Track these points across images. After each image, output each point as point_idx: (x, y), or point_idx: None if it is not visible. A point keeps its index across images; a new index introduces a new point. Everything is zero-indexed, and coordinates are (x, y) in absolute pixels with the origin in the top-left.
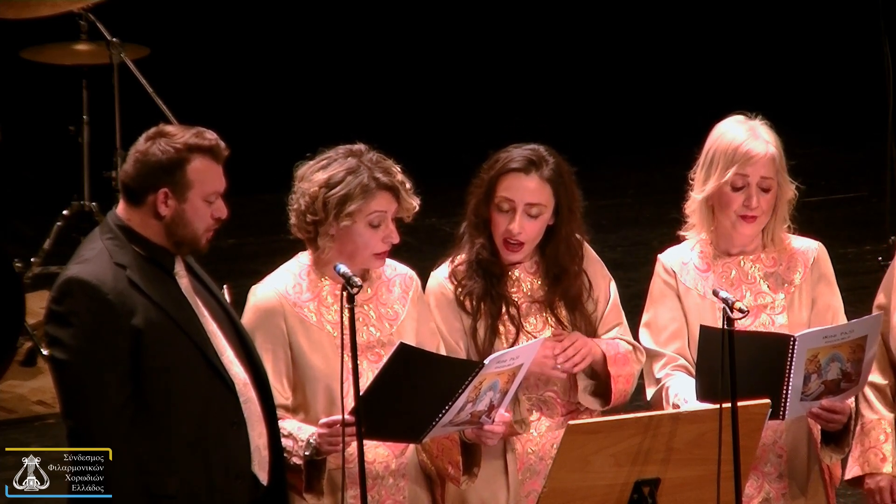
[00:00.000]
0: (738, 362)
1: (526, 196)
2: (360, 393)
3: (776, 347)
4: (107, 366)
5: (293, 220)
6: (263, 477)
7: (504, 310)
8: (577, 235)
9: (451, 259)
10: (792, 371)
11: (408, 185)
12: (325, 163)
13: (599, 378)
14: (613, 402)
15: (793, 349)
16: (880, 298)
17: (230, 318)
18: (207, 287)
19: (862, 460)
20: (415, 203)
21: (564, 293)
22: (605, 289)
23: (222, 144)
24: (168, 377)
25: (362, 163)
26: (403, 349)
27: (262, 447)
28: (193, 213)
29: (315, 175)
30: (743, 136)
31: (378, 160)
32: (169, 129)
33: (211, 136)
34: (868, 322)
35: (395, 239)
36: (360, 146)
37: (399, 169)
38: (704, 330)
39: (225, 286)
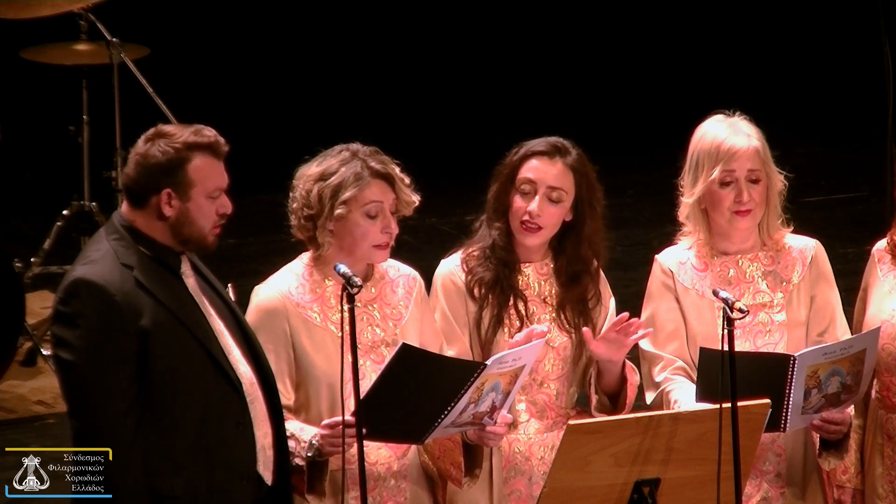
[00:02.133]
0: (738, 382)
1: (548, 179)
2: (362, 394)
3: (776, 367)
4: (113, 367)
5: (293, 220)
6: (268, 477)
7: (511, 301)
8: (599, 239)
9: (465, 247)
10: (792, 388)
11: (406, 181)
12: (319, 160)
13: (609, 386)
14: (626, 410)
15: (793, 368)
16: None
17: (236, 318)
18: (213, 286)
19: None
20: (414, 198)
21: (579, 296)
22: (606, 305)
23: (221, 140)
24: (174, 377)
25: (356, 155)
26: (405, 349)
27: (268, 447)
28: (198, 211)
29: (310, 171)
30: (724, 133)
31: (372, 153)
32: (167, 128)
33: (210, 132)
34: (867, 336)
35: (394, 229)
36: (355, 144)
37: (397, 166)
38: (704, 352)
39: (230, 285)
